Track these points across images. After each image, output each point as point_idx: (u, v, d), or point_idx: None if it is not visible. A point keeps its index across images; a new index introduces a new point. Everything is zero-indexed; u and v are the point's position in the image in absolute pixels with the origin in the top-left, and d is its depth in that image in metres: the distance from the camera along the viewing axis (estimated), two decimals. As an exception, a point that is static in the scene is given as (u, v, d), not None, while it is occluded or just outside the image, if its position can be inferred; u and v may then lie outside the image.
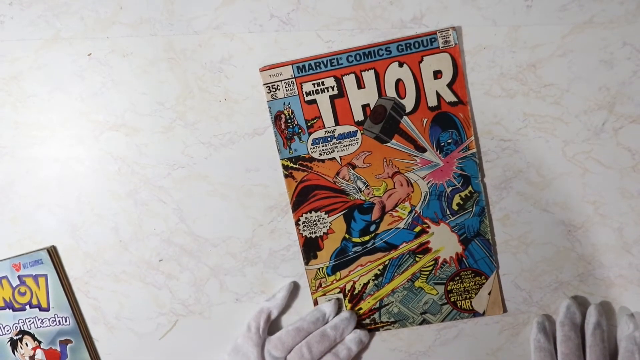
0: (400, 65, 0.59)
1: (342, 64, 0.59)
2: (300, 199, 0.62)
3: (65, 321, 0.70)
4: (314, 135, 0.61)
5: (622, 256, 0.64)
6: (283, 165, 0.62)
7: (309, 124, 0.60)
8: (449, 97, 0.60)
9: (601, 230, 0.64)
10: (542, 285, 0.66)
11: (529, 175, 0.64)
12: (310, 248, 0.64)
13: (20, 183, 0.69)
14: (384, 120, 0.59)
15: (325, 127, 0.60)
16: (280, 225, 0.66)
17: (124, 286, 0.70)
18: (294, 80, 0.59)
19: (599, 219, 0.64)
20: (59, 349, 0.70)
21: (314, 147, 0.61)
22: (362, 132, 0.60)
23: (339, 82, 0.59)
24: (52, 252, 0.69)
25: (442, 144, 0.61)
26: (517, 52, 0.61)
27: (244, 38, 0.63)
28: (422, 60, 0.59)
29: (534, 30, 0.61)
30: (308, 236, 0.63)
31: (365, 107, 0.60)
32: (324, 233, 0.63)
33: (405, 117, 0.60)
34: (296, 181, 0.62)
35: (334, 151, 0.61)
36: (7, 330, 0.71)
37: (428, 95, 0.59)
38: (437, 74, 0.59)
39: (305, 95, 0.60)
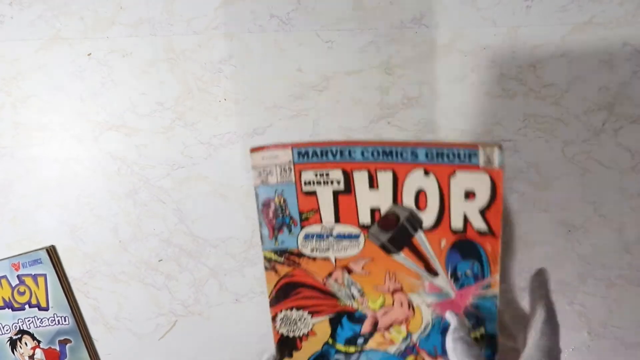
0: (426, 173, 0.48)
1: (354, 157, 0.49)
2: (281, 295, 0.53)
3: (65, 321, 0.70)
4: (307, 230, 0.52)
5: (622, 256, 0.64)
6: (265, 256, 0.52)
7: (303, 217, 0.52)
8: (479, 223, 0.49)
9: (601, 231, 0.64)
10: (542, 286, 0.65)
11: (529, 176, 0.64)
12: (285, 346, 0.55)
13: (20, 183, 0.69)
14: (395, 230, 0.50)
15: (322, 223, 0.51)
16: (280, 226, 0.66)
17: (123, 287, 0.70)
18: (292, 166, 0.50)
19: (599, 219, 0.64)
20: (58, 349, 0.70)
21: (305, 243, 0.52)
22: (366, 236, 0.51)
23: (347, 176, 0.49)
24: (51, 252, 0.69)
25: (459, 274, 0.51)
26: (517, 53, 0.61)
27: (244, 38, 0.63)
28: (454, 174, 0.48)
29: (533, 31, 0.61)
30: (285, 334, 0.54)
31: (374, 210, 0.50)
32: (303, 334, 0.54)
33: (420, 233, 0.50)
34: (279, 276, 0.53)
35: (329, 250, 0.52)
36: (7, 330, 0.71)
37: (453, 216, 0.49)
38: (469, 194, 0.48)
39: (303, 185, 0.50)
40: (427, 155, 0.48)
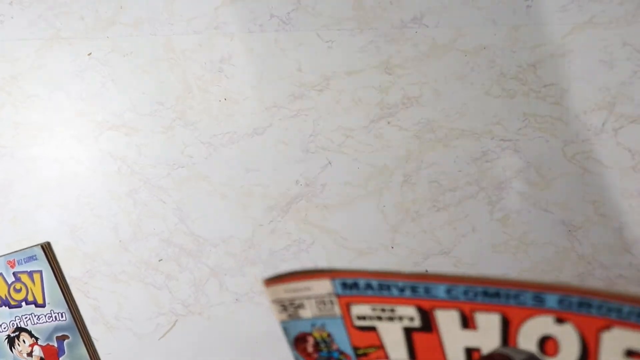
0: (559, 322, 0.36)
1: (434, 294, 0.37)
2: None
3: (62, 317, 0.70)
4: None
5: (622, 256, 0.64)
6: None
7: (360, 352, 0.41)
8: None
9: (601, 230, 0.64)
10: (542, 286, 0.65)
11: (529, 175, 0.64)
12: None
13: (20, 183, 0.69)
14: None
15: (390, 359, 0.40)
16: (280, 226, 0.66)
17: (124, 286, 0.70)
18: (334, 298, 0.39)
19: (599, 218, 0.64)
20: (56, 345, 0.70)
21: None
22: None
23: (426, 314, 0.38)
24: (46, 248, 0.69)
25: None
26: (517, 52, 0.61)
27: (244, 38, 0.63)
28: (608, 329, 0.35)
29: (533, 31, 0.61)
30: None
31: (471, 350, 0.39)
32: None
33: None
34: None
35: None
36: (4, 328, 0.70)
37: None
38: (632, 354, 0.36)
39: (355, 319, 0.39)
40: (561, 303, 0.35)
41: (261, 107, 0.64)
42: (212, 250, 0.68)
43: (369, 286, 0.38)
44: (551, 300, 0.35)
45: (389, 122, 0.64)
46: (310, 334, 0.41)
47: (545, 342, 0.38)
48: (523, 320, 0.37)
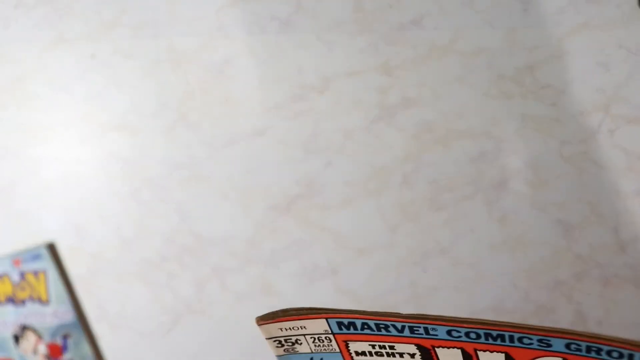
0: None
1: (435, 334, 0.36)
2: None
3: (66, 315, 0.70)
4: None
5: (618, 256, 0.65)
6: None
7: None
8: None
9: (598, 230, 0.64)
10: (539, 285, 0.66)
11: (527, 176, 0.64)
12: None
13: (24, 183, 0.70)
14: None
15: None
16: (280, 225, 0.67)
17: (126, 285, 0.71)
18: (331, 336, 0.38)
19: (596, 218, 0.64)
20: (60, 343, 0.71)
21: None
22: None
23: (427, 352, 0.37)
24: (51, 247, 0.69)
25: None
26: (515, 54, 0.62)
27: (245, 40, 0.64)
28: None
29: (531, 33, 0.61)
30: None
31: None
32: None
33: None
34: None
35: None
36: (10, 326, 0.71)
37: None
38: None
39: (354, 355, 0.39)
40: (568, 347, 0.34)
41: (262, 108, 0.64)
42: (214, 250, 0.69)
43: (366, 326, 0.37)
44: (558, 344, 0.34)
45: (388, 123, 0.65)
46: None
47: None
48: (529, 359, 0.36)
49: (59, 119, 0.68)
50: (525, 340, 0.34)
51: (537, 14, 0.61)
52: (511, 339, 0.35)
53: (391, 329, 0.36)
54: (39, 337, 0.71)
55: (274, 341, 0.39)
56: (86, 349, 0.72)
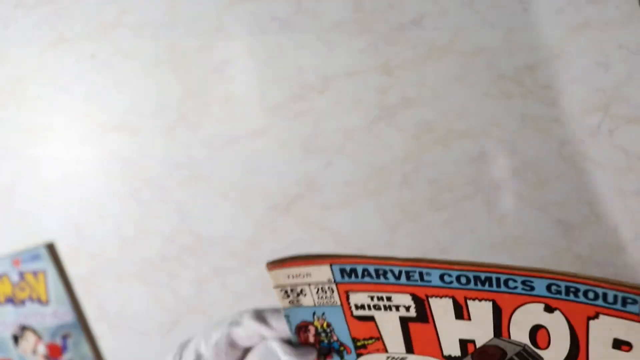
0: (549, 310, 0.36)
1: (429, 280, 0.37)
2: None
3: (66, 315, 0.70)
4: (366, 358, 0.41)
5: (618, 255, 0.65)
6: None
7: (359, 344, 0.41)
8: None
9: (597, 230, 0.64)
10: (539, 284, 0.66)
11: (526, 176, 0.64)
12: None
13: (24, 183, 0.70)
14: None
15: (387, 352, 0.40)
16: (280, 225, 0.67)
17: (126, 285, 0.71)
18: (333, 286, 0.39)
19: (595, 218, 0.64)
20: (60, 343, 0.71)
21: None
22: None
23: (421, 303, 0.38)
24: (51, 247, 0.69)
25: None
26: (515, 54, 0.62)
27: (245, 40, 0.64)
28: (596, 317, 0.35)
29: (530, 33, 0.61)
30: None
31: (466, 342, 0.39)
32: None
33: None
34: None
35: None
36: (9, 326, 0.71)
37: None
38: (620, 345, 0.35)
39: (354, 308, 0.39)
40: (549, 289, 0.35)
41: (262, 108, 0.65)
42: (214, 250, 0.69)
43: (366, 272, 0.39)
44: (540, 286, 0.35)
45: (388, 123, 0.65)
46: (312, 323, 0.41)
47: (537, 333, 0.37)
48: (514, 308, 0.37)
49: (59, 119, 0.68)
50: (511, 284, 0.35)
51: (537, 14, 0.61)
52: (497, 282, 0.35)
53: (389, 275, 0.38)
54: (39, 337, 0.71)
55: (281, 291, 0.40)
56: (86, 349, 0.72)
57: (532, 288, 0.35)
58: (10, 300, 0.71)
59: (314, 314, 0.40)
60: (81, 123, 0.68)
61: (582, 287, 0.34)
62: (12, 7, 0.67)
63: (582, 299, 0.34)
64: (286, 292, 0.40)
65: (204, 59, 0.65)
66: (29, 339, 0.72)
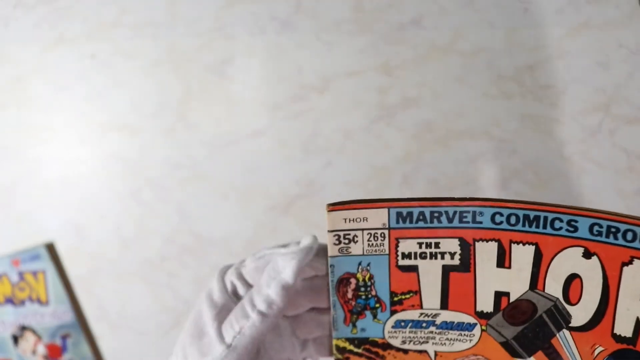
0: (587, 255, 0.36)
1: (480, 222, 0.37)
2: None
3: (65, 315, 0.70)
4: (400, 316, 0.40)
5: (618, 255, 0.65)
6: (337, 346, 0.41)
7: (395, 299, 0.41)
8: None
9: (597, 230, 0.64)
10: (539, 284, 0.66)
11: (526, 176, 0.64)
12: None
13: (24, 183, 0.70)
14: (529, 325, 0.38)
15: (422, 308, 0.40)
16: (280, 225, 0.67)
17: (127, 285, 0.71)
18: (386, 232, 0.39)
19: (596, 218, 0.64)
20: (59, 343, 0.71)
21: (395, 332, 0.41)
22: (483, 328, 0.39)
23: (467, 249, 0.38)
24: (50, 247, 0.70)
25: None
26: (515, 54, 0.62)
27: (245, 40, 0.64)
28: (630, 262, 0.35)
29: (530, 33, 0.61)
30: None
31: (500, 295, 0.39)
32: None
33: (564, 332, 0.38)
34: None
35: (427, 342, 0.41)
36: (9, 326, 0.71)
37: (619, 317, 0.36)
38: None
39: (400, 258, 0.39)
40: (591, 230, 0.35)
41: (262, 108, 0.65)
42: (214, 250, 0.69)
43: (421, 216, 0.38)
44: (583, 226, 0.35)
45: (388, 123, 0.65)
46: (354, 275, 0.40)
47: (571, 285, 0.37)
48: (555, 252, 0.37)
49: (59, 119, 0.68)
50: (557, 224, 0.35)
51: (537, 14, 0.61)
52: (545, 222, 0.36)
53: (443, 218, 0.38)
54: (38, 337, 0.72)
55: (334, 236, 0.39)
56: (86, 349, 0.72)
57: (576, 229, 0.35)
58: (10, 300, 0.71)
59: (359, 264, 0.40)
60: (81, 123, 0.68)
61: (623, 227, 0.34)
62: (12, 7, 0.67)
63: (620, 240, 0.34)
64: (339, 237, 0.39)
65: (204, 59, 0.65)
66: (29, 339, 0.72)
